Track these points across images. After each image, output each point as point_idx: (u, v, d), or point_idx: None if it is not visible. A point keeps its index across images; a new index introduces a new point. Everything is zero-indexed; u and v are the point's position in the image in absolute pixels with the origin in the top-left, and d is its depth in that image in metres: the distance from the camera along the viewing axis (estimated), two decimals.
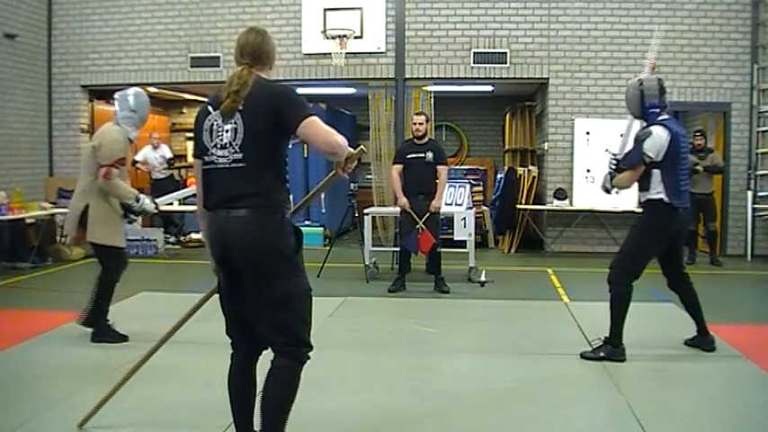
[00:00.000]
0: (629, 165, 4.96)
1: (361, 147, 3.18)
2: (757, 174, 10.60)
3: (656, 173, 4.88)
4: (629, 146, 5.05)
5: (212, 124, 2.98)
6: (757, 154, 10.63)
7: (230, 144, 2.91)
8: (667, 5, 10.67)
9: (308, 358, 2.99)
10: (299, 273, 2.98)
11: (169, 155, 12.32)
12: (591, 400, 4.28)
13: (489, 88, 12.59)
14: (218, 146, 2.94)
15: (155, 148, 12.09)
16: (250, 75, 2.98)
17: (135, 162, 12.14)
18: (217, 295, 3.15)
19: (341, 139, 2.89)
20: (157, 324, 5.81)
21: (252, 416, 3.16)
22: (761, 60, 10.57)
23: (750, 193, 10.54)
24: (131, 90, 5.47)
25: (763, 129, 10.61)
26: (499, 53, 10.92)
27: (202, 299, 3.47)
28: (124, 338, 5.39)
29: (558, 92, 10.95)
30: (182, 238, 11.72)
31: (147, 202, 5.42)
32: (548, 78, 10.95)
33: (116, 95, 5.48)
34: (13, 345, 5.27)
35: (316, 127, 2.87)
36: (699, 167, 9.24)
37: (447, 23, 11.06)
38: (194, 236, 11.68)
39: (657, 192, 4.91)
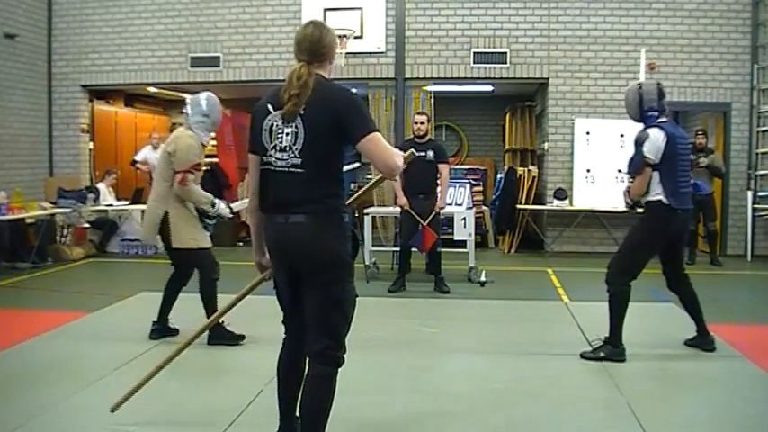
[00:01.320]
0: (635, 171, 4.97)
1: (412, 150, 3.16)
2: (757, 174, 10.61)
3: (655, 175, 4.90)
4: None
5: (272, 125, 2.92)
6: (757, 154, 10.63)
7: (290, 148, 2.87)
8: (667, 5, 10.68)
9: (344, 361, 3.00)
10: (352, 278, 3.00)
11: None
12: (591, 400, 4.28)
13: (489, 88, 12.59)
14: (278, 148, 2.90)
15: (155, 148, 12.02)
16: (310, 75, 2.90)
17: (135, 162, 12.15)
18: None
19: (399, 162, 2.85)
20: None
21: (296, 403, 3.15)
22: (761, 60, 10.57)
23: (750, 193, 10.55)
24: (203, 94, 5.36)
25: (763, 129, 10.62)
26: (499, 53, 10.93)
27: (240, 295, 3.45)
28: (241, 338, 5.31)
29: (558, 92, 10.96)
30: None
31: (222, 206, 5.35)
32: (548, 78, 10.96)
33: (187, 99, 5.38)
34: (14, 345, 5.26)
35: (377, 145, 2.83)
36: (701, 161, 9.23)
37: (447, 23, 11.07)
38: None
39: (656, 193, 4.91)
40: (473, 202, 10.01)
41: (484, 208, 11.90)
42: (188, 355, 4.97)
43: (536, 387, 4.45)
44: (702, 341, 5.22)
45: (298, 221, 2.87)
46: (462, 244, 8.71)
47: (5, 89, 10.71)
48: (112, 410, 3.65)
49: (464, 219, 8.57)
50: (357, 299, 3.05)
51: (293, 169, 2.87)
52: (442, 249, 7.86)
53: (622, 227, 10.14)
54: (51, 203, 10.27)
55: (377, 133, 2.84)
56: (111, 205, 11.03)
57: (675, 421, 3.89)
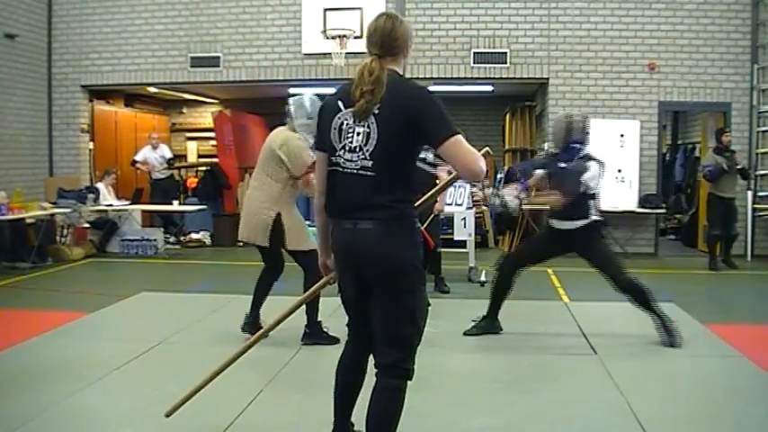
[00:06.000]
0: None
1: (487, 149, 3.03)
2: (757, 174, 10.61)
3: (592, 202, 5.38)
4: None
5: (342, 123, 2.76)
6: (757, 154, 10.63)
7: (360, 149, 2.70)
8: (667, 5, 10.67)
9: (414, 372, 2.88)
10: (423, 287, 2.87)
11: (169, 155, 12.33)
12: (591, 399, 4.27)
13: (489, 88, 12.58)
14: (348, 148, 2.73)
15: (154, 148, 12.10)
16: (382, 70, 2.75)
17: (135, 162, 12.16)
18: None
19: (483, 166, 2.67)
20: (158, 324, 5.85)
21: (352, 407, 3.13)
22: (761, 60, 10.57)
23: (750, 193, 10.53)
24: (306, 97, 5.22)
25: (763, 129, 10.62)
26: (499, 53, 10.93)
27: (309, 294, 3.41)
28: (335, 340, 5.16)
29: (558, 92, 10.95)
30: (182, 238, 11.71)
31: None
32: (548, 78, 10.95)
33: (291, 102, 5.24)
34: (13, 345, 5.26)
35: (460, 148, 2.65)
36: (738, 166, 9.29)
37: (447, 23, 11.06)
38: (194, 236, 11.69)
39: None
40: (473, 202, 10.00)
41: (484, 208, 11.89)
42: (188, 355, 4.99)
43: (536, 387, 4.45)
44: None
45: (366, 228, 2.71)
46: (462, 244, 8.71)
47: (5, 89, 10.70)
48: (167, 416, 3.39)
49: (464, 219, 8.56)
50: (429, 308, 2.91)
51: (363, 171, 2.70)
52: (442, 249, 7.85)
53: (622, 227, 10.14)
54: (51, 203, 10.27)
55: (459, 135, 2.66)
56: (111, 205, 11.04)
57: (675, 421, 3.89)
